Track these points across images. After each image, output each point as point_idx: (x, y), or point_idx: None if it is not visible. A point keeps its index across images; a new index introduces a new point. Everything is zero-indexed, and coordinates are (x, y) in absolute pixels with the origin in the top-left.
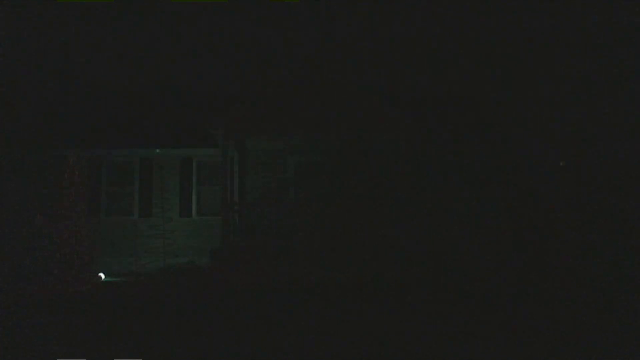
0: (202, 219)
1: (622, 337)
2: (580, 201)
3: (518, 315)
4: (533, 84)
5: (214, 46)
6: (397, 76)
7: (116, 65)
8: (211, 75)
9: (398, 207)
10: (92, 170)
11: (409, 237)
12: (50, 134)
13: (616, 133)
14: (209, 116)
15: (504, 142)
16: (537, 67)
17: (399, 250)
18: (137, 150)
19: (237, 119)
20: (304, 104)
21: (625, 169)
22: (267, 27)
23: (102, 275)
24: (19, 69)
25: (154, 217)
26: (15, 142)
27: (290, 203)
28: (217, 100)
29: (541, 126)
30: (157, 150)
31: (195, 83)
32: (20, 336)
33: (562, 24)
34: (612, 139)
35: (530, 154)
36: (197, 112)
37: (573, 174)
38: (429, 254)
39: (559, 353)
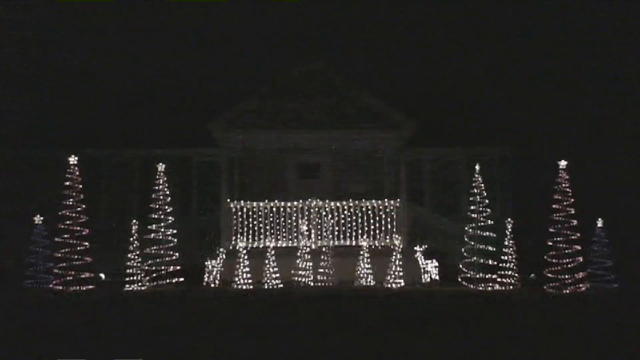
0: (202, 219)
1: None
2: None
3: None
4: None
5: (214, 46)
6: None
7: (116, 65)
8: (211, 75)
9: None
10: (92, 170)
11: None
12: (51, 134)
13: None
14: (209, 116)
15: None
16: None
17: None
18: (137, 150)
19: (237, 118)
20: (304, 104)
21: None
22: (267, 27)
23: (102, 275)
24: (19, 69)
25: (154, 217)
26: (15, 142)
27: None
28: (219, 100)
29: None
30: (157, 150)
31: (195, 83)
32: (20, 336)
33: None
34: None
35: None
36: (197, 112)
37: None
38: None
39: None
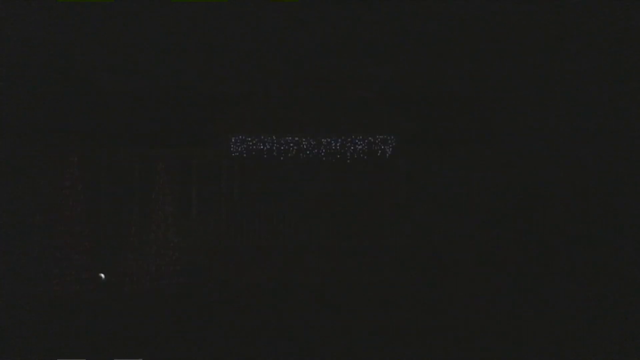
0: (203, 219)
1: None
2: None
3: None
4: None
5: (214, 46)
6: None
7: (116, 65)
8: (211, 75)
9: None
10: (92, 170)
11: None
12: (51, 134)
13: None
14: (210, 116)
15: None
16: None
17: None
18: (137, 150)
19: (238, 119)
20: (303, 105)
21: None
22: (267, 27)
23: (103, 276)
24: (19, 69)
25: (154, 217)
26: (15, 141)
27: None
28: (218, 100)
29: None
30: (157, 150)
31: (195, 83)
32: (20, 336)
33: None
34: None
35: None
36: (197, 112)
37: None
38: None
39: None
